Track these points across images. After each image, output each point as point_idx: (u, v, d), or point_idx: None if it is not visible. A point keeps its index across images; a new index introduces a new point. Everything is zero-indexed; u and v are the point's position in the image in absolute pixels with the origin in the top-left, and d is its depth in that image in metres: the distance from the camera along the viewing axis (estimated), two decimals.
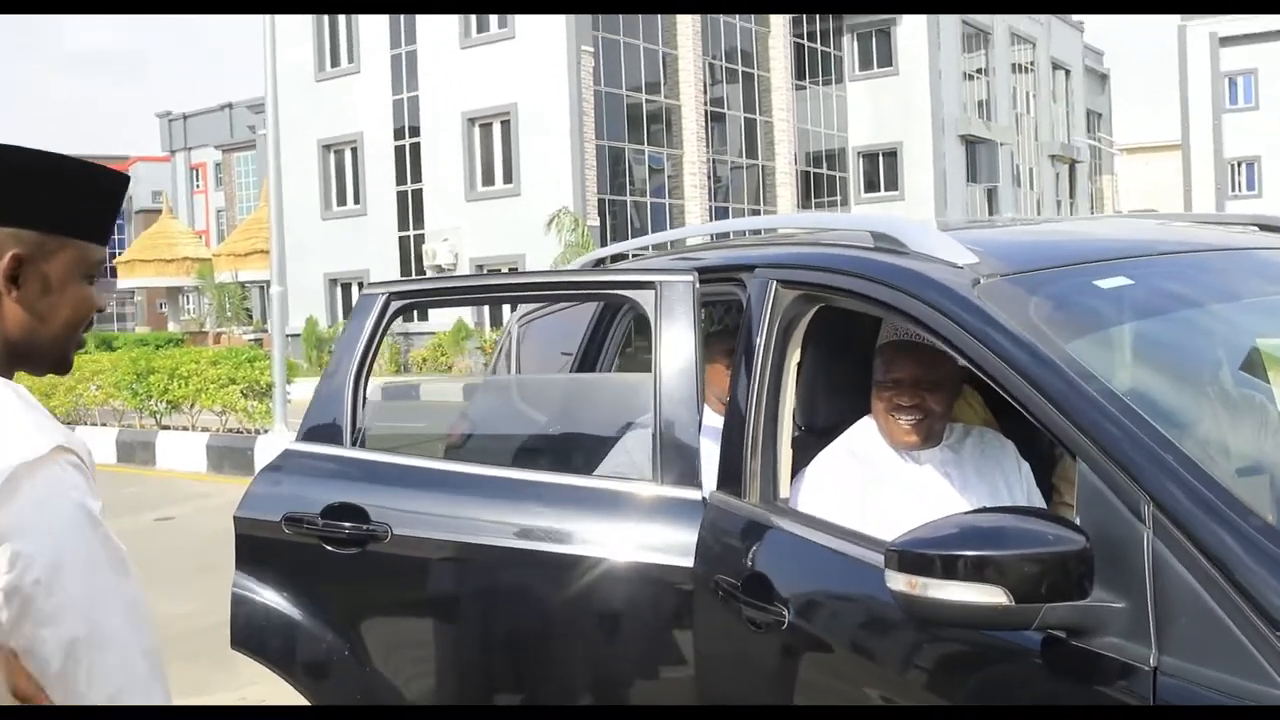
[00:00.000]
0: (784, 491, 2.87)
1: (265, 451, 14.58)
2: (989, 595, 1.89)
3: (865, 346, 3.11)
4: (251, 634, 3.53)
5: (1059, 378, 2.15)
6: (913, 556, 1.97)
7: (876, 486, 2.86)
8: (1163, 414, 2.17)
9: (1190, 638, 1.83)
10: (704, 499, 2.90)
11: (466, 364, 29.23)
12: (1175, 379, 2.52)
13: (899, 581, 1.97)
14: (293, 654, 3.52)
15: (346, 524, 3.26)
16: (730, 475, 2.90)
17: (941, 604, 1.93)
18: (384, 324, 3.52)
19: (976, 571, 1.89)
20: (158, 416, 16.36)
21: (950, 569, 1.92)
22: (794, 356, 2.92)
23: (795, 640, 2.54)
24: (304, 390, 28.50)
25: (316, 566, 3.37)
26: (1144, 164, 63.55)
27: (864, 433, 3.00)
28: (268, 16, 16.37)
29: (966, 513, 2.13)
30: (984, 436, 3.06)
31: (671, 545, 2.90)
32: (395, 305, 3.55)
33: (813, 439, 3.12)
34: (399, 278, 31.21)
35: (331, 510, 3.30)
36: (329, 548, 3.30)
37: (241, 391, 15.21)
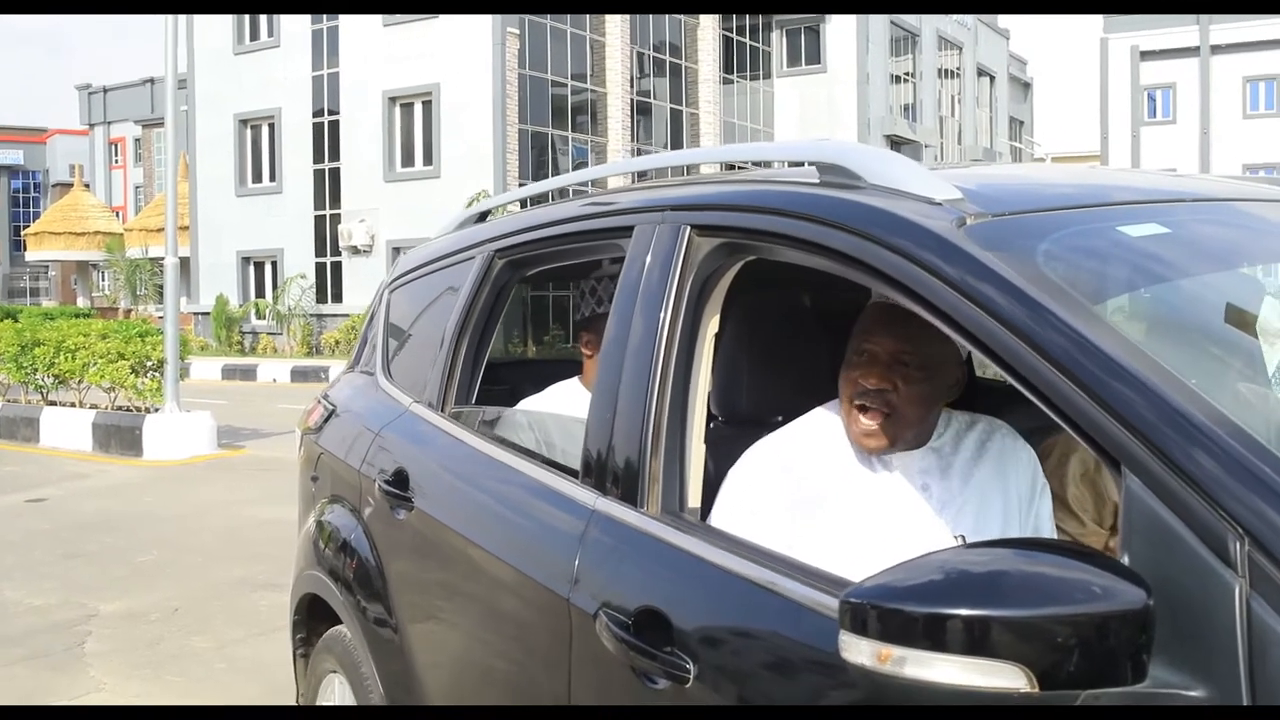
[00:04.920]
0: (694, 500, 2.16)
1: (154, 430, 13.76)
2: (1001, 677, 1.22)
3: (810, 314, 2.48)
4: None
5: (1093, 354, 1.47)
6: (882, 614, 1.28)
7: (819, 502, 2.10)
8: (1244, 409, 1.51)
9: None
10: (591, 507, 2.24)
11: None
12: (1250, 362, 1.83)
13: (862, 652, 1.29)
14: None
15: None
16: (622, 478, 2.18)
17: (927, 689, 1.26)
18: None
19: (982, 640, 1.23)
20: (44, 391, 15.48)
21: (939, 635, 1.25)
22: (711, 324, 2.22)
23: (703, 704, 1.83)
24: (204, 369, 27.48)
25: None
26: None
27: (819, 424, 2.22)
28: None
29: (960, 547, 1.44)
30: (993, 433, 2.21)
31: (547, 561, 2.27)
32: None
33: (733, 432, 2.44)
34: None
35: None
36: None
37: (131, 367, 14.31)
